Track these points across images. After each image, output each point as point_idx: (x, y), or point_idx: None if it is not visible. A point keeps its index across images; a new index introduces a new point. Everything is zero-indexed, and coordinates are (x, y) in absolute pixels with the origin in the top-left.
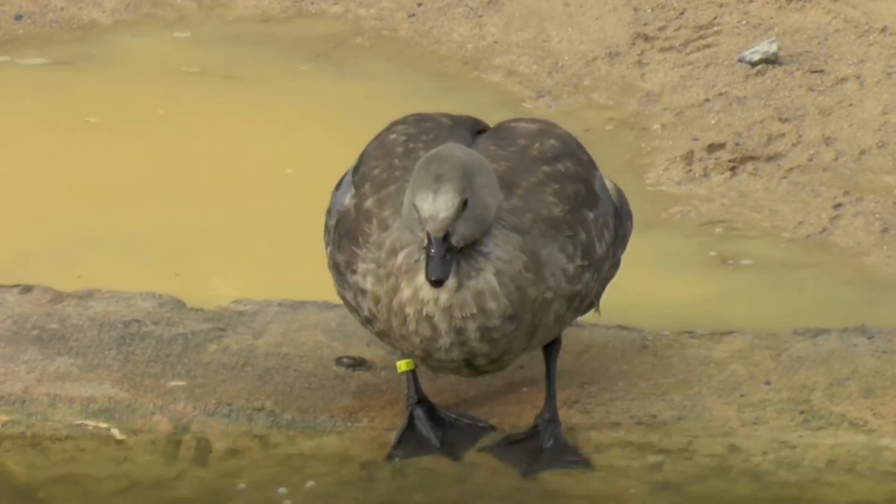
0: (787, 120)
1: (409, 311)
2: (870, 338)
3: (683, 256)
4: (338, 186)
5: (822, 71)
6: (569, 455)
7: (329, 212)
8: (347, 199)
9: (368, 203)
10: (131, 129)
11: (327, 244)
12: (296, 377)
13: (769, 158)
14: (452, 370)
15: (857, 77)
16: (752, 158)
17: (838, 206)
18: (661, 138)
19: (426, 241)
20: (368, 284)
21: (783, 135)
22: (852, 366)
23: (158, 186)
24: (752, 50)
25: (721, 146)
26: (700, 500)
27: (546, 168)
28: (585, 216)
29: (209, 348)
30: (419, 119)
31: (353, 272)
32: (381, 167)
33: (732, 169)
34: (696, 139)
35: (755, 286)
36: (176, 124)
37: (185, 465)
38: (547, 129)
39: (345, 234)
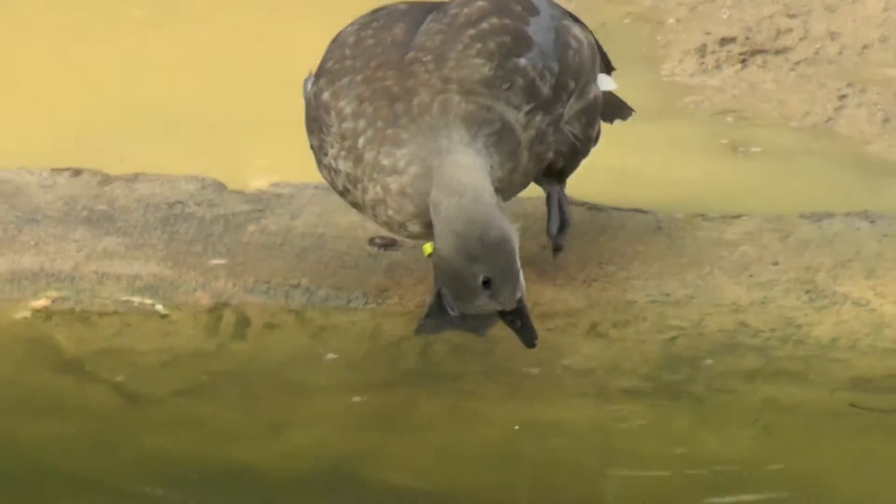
0: (794, 16)
1: (377, 206)
2: (872, 222)
3: (696, 144)
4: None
5: None
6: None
7: None
8: (309, 87)
9: (325, 96)
10: (175, 22)
11: None
12: (330, 256)
13: (777, 52)
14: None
15: None
16: (762, 52)
17: (843, 97)
18: (675, 32)
19: (510, 312)
20: (340, 165)
21: (791, 29)
22: (855, 248)
23: (200, 75)
24: None
25: (732, 40)
26: (712, 374)
27: (471, 31)
28: (516, 63)
29: (248, 228)
30: (376, 10)
31: (325, 155)
32: (333, 59)
33: (743, 61)
34: (708, 33)
35: (764, 172)
36: (217, 18)
37: (225, 339)
38: None
39: (311, 120)
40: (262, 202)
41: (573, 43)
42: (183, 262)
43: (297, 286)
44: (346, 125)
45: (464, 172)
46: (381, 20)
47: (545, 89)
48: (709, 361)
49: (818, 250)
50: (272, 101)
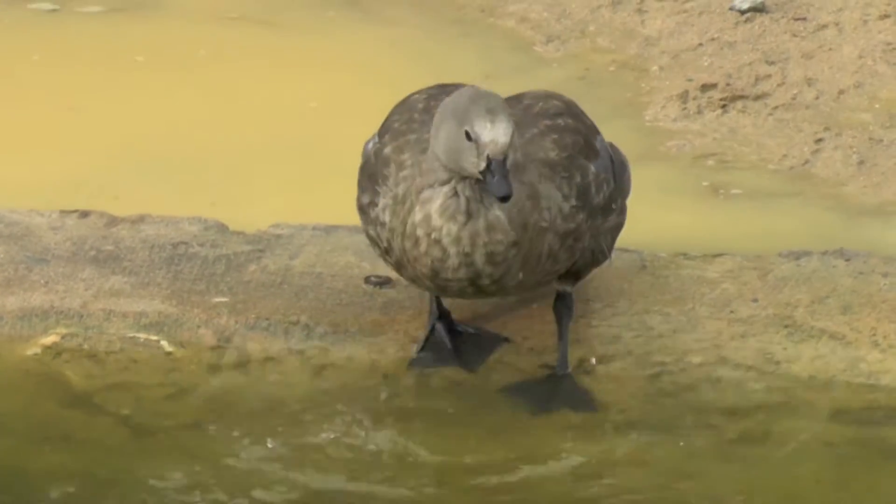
0: (772, 62)
1: (420, 233)
2: (847, 260)
3: (679, 186)
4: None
5: (804, 18)
6: (580, 396)
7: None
8: (370, 146)
9: (387, 150)
10: (175, 68)
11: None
12: (328, 294)
13: (757, 97)
14: (458, 290)
15: (836, 24)
16: (742, 97)
17: (819, 140)
18: (658, 79)
19: (484, 166)
20: (387, 217)
21: (769, 76)
22: (832, 285)
23: (201, 120)
24: None
25: (713, 86)
26: (693, 408)
27: (547, 122)
28: (582, 163)
29: (249, 268)
30: (441, 86)
31: (375, 206)
32: (401, 121)
33: (723, 107)
34: (690, 80)
35: (744, 213)
36: (215, 64)
37: (227, 374)
38: (552, 94)
39: (368, 177)
40: (262, 242)
41: (627, 165)
42: (187, 300)
43: (296, 323)
44: (403, 173)
45: None
46: (451, 93)
47: (598, 198)
48: (691, 395)
49: (796, 287)
50: (272, 144)
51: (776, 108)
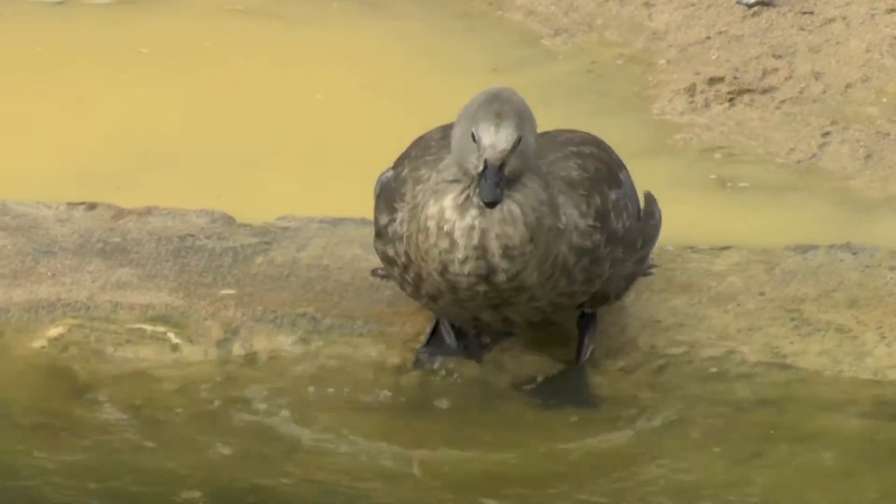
0: (780, 56)
1: (431, 224)
2: (854, 253)
3: (686, 179)
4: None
5: (811, 12)
6: (587, 391)
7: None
8: (385, 178)
9: (405, 172)
10: (182, 61)
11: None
12: (335, 286)
13: (764, 91)
14: (469, 290)
15: (844, 18)
16: (749, 91)
17: (826, 134)
18: (666, 72)
19: (482, 168)
20: (404, 228)
21: (776, 70)
22: (838, 279)
23: (207, 111)
24: None
25: (720, 79)
26: (700, 401)
27: (572, 148)
28: (603, 187)
29: (256, 260)
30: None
31: (393, 222)
32: (417, 149)
33: (731, 100)
34: (697, 73)
35: (751, 206)
36: (221, 57)
37: (234, 366)
38: (589, 136)
39: (385, 201)
40: (269, 235)
41: (657, 214)
42: (194, 293)
43: (303, 315)
44: (420, 186)
45: None
46: None
47: (617, 224)
48: (698, 388)
49: (803, 281)
50: (278, 137)
51: (783, 101)
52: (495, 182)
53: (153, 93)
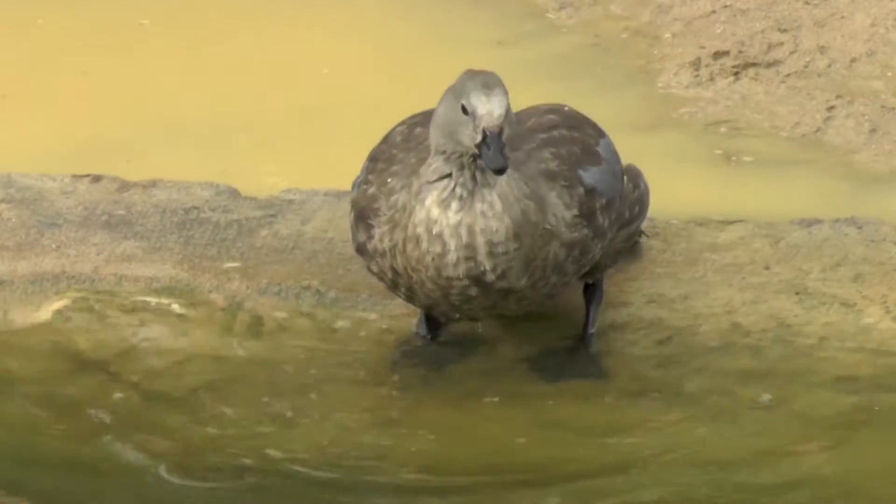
0: (785, 30)
1: (421, 230)
2: (859, 228)
3: (691, 153)
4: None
5: None
6: (594, 365)
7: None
8: (357, 188)
9: (372, 189)
10: (187, 34)
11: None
12: (339, 259)
13: (769, 65)
14: (462, 293)
15: None
16: (754, 65)
17: (831, 108)
18: (671, 46)
19: (480, 139)
20: (385, 242)
21: (782, 44)
22: (843, 253)
23: (212, 84)
24: None
25: (726, 53)
26: (704, 373)
27: (542, 136)
28: (582, 178)
29: (261, 233)
30: (425, 111)
31: (371, 239)
32: (382, 159)
33: (736, 74)
34: (703, 47)
35: (756, 180)
36: (227, 30)
37: (239, 338)
38: (553, 108)
39: (359, 219)
40: (274, 208)
41: (642, 185)
42: (198, 265)
43: (307, 288)
44: (393, 198)
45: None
46: (430, 115)
47: (602, 219)
48: (702, 361)
49: (808, 255)
50: (284, 110)
51: (788, 75)
52: (499, 148)
53: (159, 66)
